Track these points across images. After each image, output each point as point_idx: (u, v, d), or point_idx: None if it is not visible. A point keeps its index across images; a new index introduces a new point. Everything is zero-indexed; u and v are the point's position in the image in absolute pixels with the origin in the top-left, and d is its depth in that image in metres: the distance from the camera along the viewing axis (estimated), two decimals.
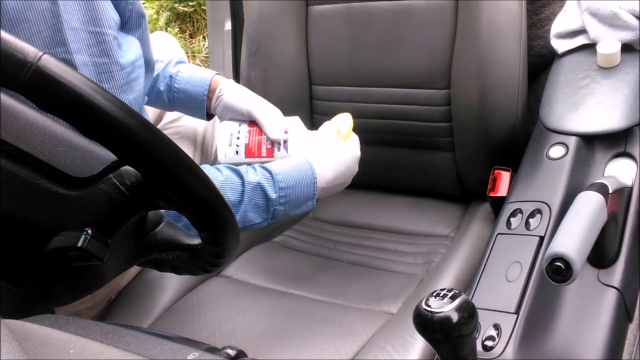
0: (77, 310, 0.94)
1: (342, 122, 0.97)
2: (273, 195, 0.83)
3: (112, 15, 0.74)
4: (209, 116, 1.05)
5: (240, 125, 0.99)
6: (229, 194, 0.80)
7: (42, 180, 0.51)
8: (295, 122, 0.98)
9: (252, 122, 0.99)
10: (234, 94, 1.00)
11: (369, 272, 1.05)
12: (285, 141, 0.95)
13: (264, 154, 0.96)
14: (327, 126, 0.97)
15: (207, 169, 0.81)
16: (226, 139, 0.97)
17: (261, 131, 0.97)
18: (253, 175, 0.83)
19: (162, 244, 0.60)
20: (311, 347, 0.84)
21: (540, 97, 0.95)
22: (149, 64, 0.87)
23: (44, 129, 0.52)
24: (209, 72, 1.03)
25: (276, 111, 0.98)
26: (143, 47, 0.82)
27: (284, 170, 0.85)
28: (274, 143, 0.96)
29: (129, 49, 0.76)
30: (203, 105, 1.02)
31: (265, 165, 0.86)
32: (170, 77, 1.03)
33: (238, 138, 0.97)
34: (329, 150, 0.91)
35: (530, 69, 1.04)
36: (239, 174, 0.82)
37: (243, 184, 0.81)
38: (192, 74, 1.03)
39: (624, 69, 0.89)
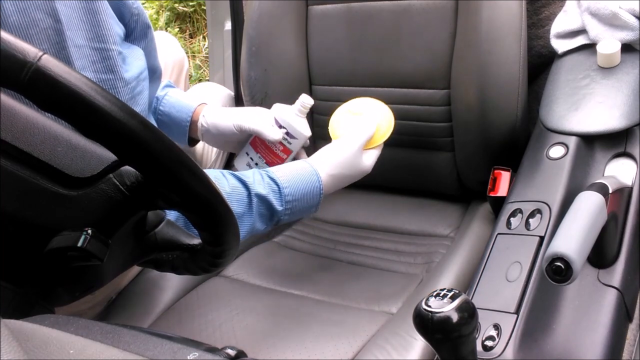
0: (77, 310, 0.94)
1: (386, 120, 0.96)
2: (279, 208, 0.83)
3: (116, 30, 0.73)
4: (192, 142, 1.04)
5: (247, 153, 0.99)
6: (235, 206, 0.79)
7: (42, 180, 0.51)
8: (278, 107, 0.98)
9: (252, 140, 0.99)
10: (215, 116, 0.99)
11: (369, 272, 1.05)
12: (287, 133, 0.96)
13: (284, 156, 0.97)
14: (367, 117, 0.96)
15: (212, 174, 0.80)
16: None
17: (262, 141, 0.97)
18: (260, 186, 0.82)
19: (162, 244, 0.60)
20: (311, 347, 0.84)
21: (540, 97, 0.95)
22: (155, 72, 0.87)
23: (44, 129, 0.52)
24: (195, 99, 1.02)
25: (261, 112, 0.98)
26: (148, 57, 0.81)
27: (291, 182, 0.85)
28: (281, 142, 0.96)
29: (133, 62, 0.76)
30: (185, 132, 1.01)
31: (273, 175, 0.85)
32: (157, 99, 1.02)
33: (257, 164, 0.98)
34: (344, 167, 0.90)
35: (530, 69, 1.04)
36: (245, 185, 0.81)
37: (249, 195, 0.81)
38: (178, 99, 1.02)
39: (624, 69, 0.89)
